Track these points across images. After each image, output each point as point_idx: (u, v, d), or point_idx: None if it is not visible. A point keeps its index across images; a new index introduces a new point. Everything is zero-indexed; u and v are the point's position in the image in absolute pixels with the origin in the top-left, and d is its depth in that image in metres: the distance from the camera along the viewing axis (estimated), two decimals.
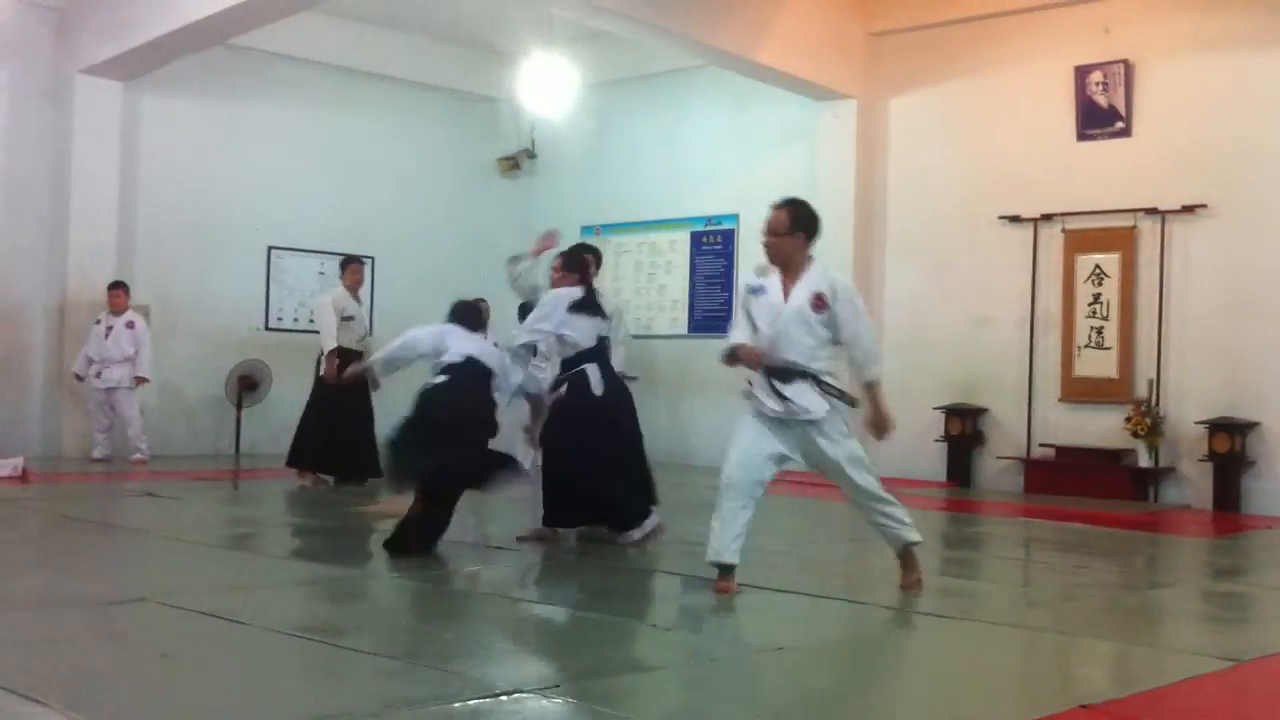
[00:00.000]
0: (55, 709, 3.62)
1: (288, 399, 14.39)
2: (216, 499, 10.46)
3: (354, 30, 14.86)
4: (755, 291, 5.92)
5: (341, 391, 10.25)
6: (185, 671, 4.30)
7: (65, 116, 12.94)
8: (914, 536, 6.03)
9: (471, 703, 3.89)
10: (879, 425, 5.91)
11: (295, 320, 14.88)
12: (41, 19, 13.03)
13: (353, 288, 11.41)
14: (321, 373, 11.08)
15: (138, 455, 12.48)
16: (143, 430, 12.64)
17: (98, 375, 12.42)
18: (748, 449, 5.77)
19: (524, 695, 3.99)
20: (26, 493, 9.80)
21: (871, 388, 5.92)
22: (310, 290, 14.96)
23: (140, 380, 12.57)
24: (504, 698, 3.96)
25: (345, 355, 10.66)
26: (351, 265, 11.49)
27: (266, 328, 14.63)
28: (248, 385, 13.80)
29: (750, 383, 5.90)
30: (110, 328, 12.40)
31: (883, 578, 6.44)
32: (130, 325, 12.48)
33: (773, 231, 5.92)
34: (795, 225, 5.90)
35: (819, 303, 5.82)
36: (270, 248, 14.65)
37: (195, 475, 11.58)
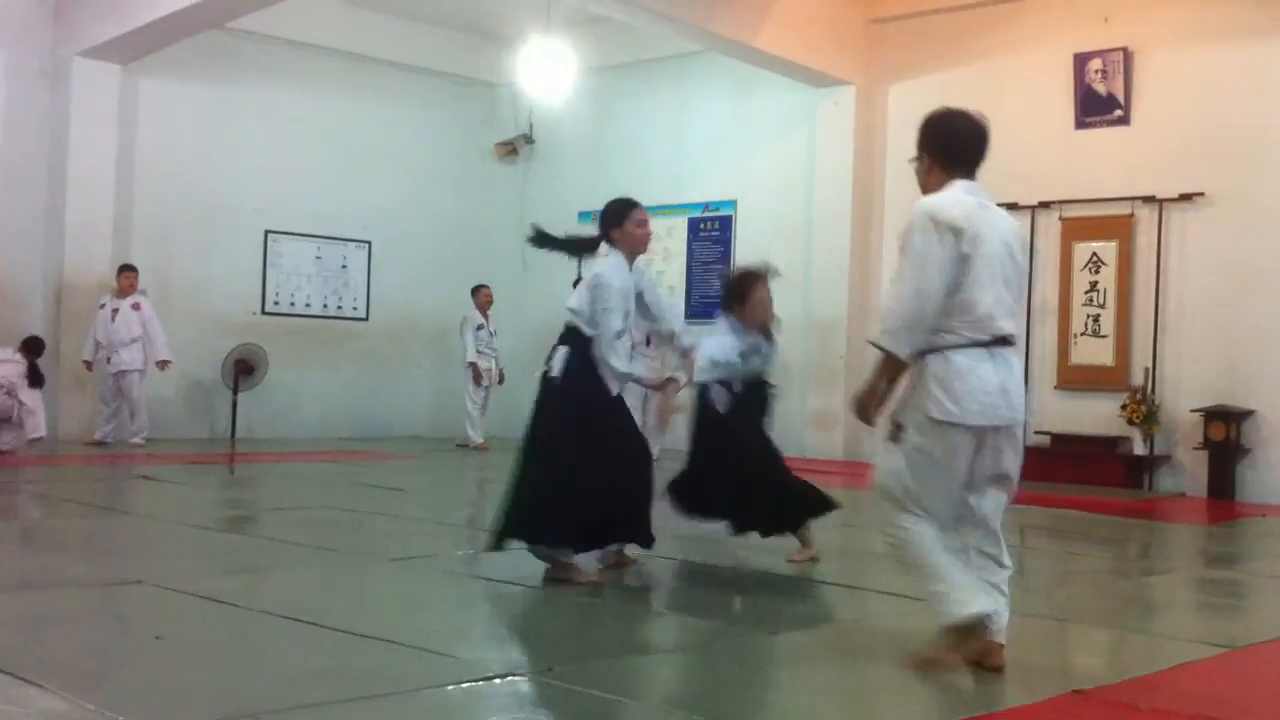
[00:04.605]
0: (52, 690, 3.63)
1: (284, 383, 14.46)
2: (213, 483, 10.48)
3: (352, 14, 14.82)
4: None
5: None
6: (181, 653, 4.31)
7: (63, 99, 12.92)
8: None
9: (465, 685, 3.91)
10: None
11: (292, 304, 14.89)
12: (40, 0, 13.00)
13: None
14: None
15: (137, 440, 12.50)
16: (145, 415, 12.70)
17: (108, 360, 12.43)
18: None
19: (517, 678, 4.00)
20: (24, 475, 9.80)
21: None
22: (307, 275, 14.99)
23: (164, 364, 12.59)
24: (498, 680, 3.97)
25: None
26: None
27: (263, 312, 14.62)
28: (244, 369, 13.80)
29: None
30: (116, 310, 12.40)
31: (880, 563, 6.45)
32: (136, 307, 12.48)
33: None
34: None
35: None
36: (267, 231, 14.64)
37: (192, 459, 11.59)
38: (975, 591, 4.13)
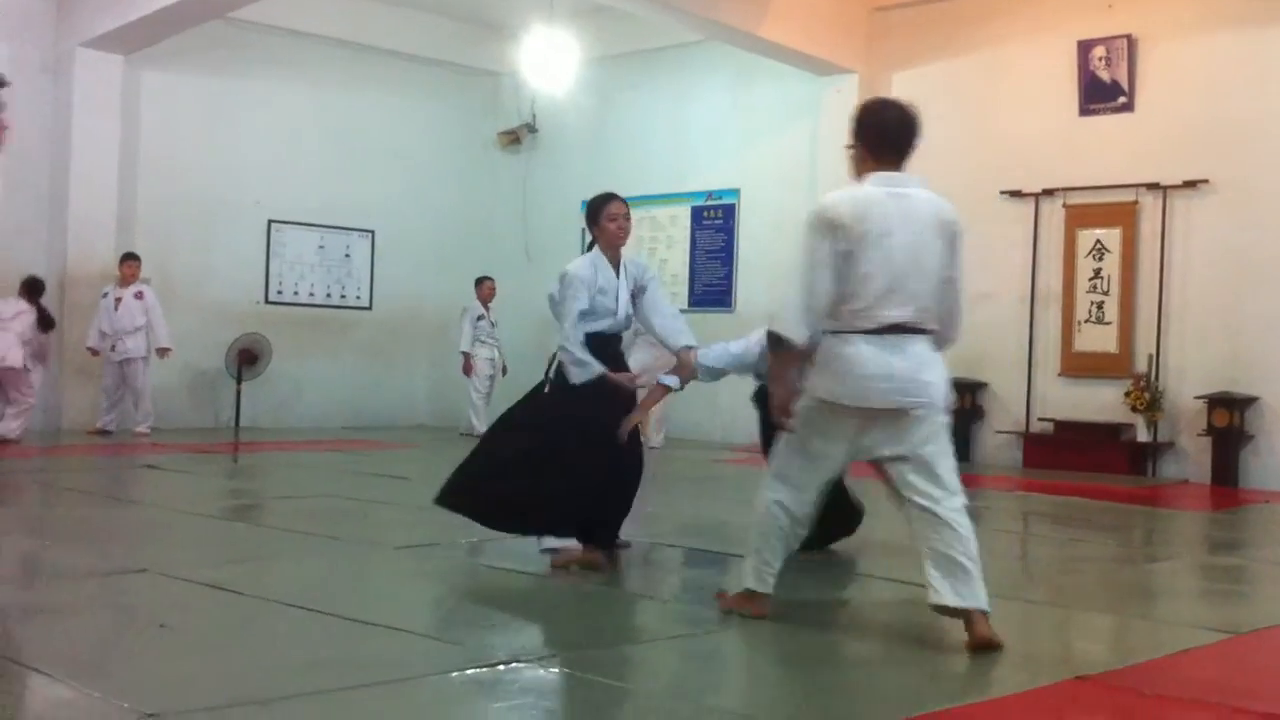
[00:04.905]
0: (58, 678, 3.64)
1: (288, 373, 14.47)
2: (217, 471, 10.50)
3: (354, 4, 14.81)
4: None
5: None
6: (186, 642, 4.32)
7: (65, 90, 12.92)
8: None
9: (469, 672, 3.91)
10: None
11: (295, 294, 14.90)
12: None
13: None
14: None
15: (142, 428, 12.54)
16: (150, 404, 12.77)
17: (112, 348, 12.48)
18: None
19: (521, 665, 4.01)
20: (28, 464, 9.82)
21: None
22: (310, 264, 15.00)
23: (164, 351, 12.68)
24: (501, 667, 3.98)
25: None
26: None
27: (266, 301, 14.64)
28: (248, 359, 13.82)
29: None
30: (119, 299, 12.46)
31: (882, 551, 6.46)
32: (139, 296, 12.56)
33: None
34: None
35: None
36: (270, 221, 14.64)
37: (197, 448, 11.61)
38: (764, 572, 4.63)
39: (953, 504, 4.34)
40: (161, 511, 7.78)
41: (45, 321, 11.44)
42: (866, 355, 4.27)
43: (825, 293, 4.29)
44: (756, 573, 4.64)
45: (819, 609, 5.29)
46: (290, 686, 3.68)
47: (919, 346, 4.33)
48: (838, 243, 4.25)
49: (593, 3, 13.13)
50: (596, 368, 5.79)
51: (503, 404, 14.87)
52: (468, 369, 14.18)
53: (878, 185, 4.37)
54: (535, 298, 14.48)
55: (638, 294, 6.00)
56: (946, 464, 4.38)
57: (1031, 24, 12.47)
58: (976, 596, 4.29)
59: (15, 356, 11.00)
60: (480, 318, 14.30)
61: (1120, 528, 8.50)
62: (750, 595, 4.69)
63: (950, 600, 4.30)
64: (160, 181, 13.66)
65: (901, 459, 4.36)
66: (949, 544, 4.30)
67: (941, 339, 4.47)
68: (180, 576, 5.26)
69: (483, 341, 14.27)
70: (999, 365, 12.56)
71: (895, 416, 4.30)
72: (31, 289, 11.48)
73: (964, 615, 4.31)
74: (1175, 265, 11.61)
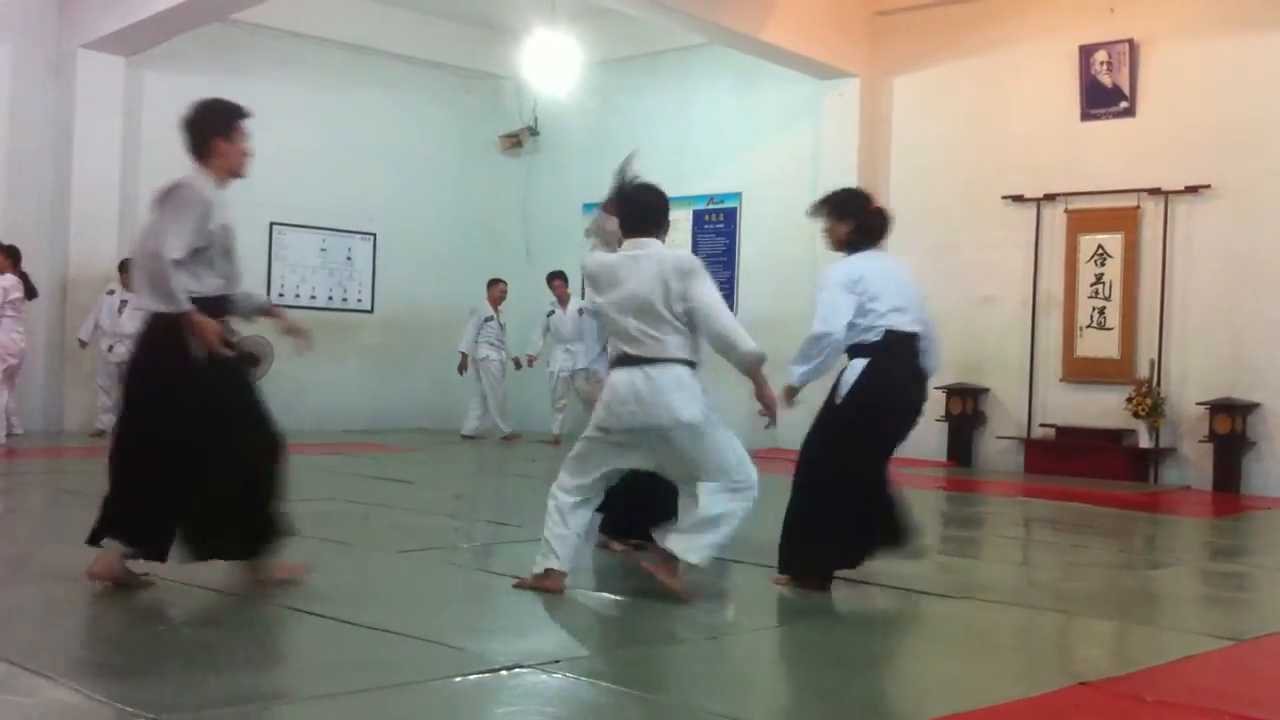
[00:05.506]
0: (61, 682, 3.64)
1: (289, 375, 14.45)
2: None
3: (357, 6, 14.82)
4: None
5: None
6: (188, 645, 4.32)
7: (67, 91, 12.92)
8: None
9: (471, 677, 3.91)
10: None
11: (297, 296, 14.89)
12: None
13: None
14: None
15: None
16: None
17: (109, 349, 12.42)
18: None
19: (524, 670, 4.01)
20: (31, 466, 9.82)
21: None
22: (312, 267, 15.00)
23: None
24: (504, 673, 3.97)
25: None
26: None
27: None
28: (250, 361, 13.79)
29: None
30: (124, 301, 12.33)
31: (883, 559, 6.45)
32: None
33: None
34: None
35: None
36: (272, 224, 14.64)
37: None
38: (549, 555, 5.24)
39: (703, 489, 5.08)
40: None
41: (30, 290, 11.43)
42: (617, 383, 5.11)
43: (602, 331, 5.65)
44: (541, 554, 5.24)
45: (820, 615, 5.29)
46: (293, 690, 3.68)
47: (660, 372, 5.05)
48: (594, 294, 5.30)
49: (594, 5, 13.13)
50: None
51: (510, 404, 14.91)
52: (462, 367, 14.25)
53: (622, 251, 5.35)
54: (537, 300, 14.58)
55: None
56: (705, 459, 5.09)
57: (1033, 28, 12.47)
58: (676, 545, 5.07)
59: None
60: (489, 319, 14.38)
61: (1122, 534, 8.49)
62: (546, 574, 5.23)
63: (661, 540, 5.18)
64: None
65: (664, 461, 5.16)
66: (687, 510, 5.13)
67: (730, 356, 5.14)
68: (182, 580, 5.26)
69: (491, 344, 14.34)
70: (1000, 370, 12.56)
71: (648, 434, 5.06)
72: (12, 256, 11.43)
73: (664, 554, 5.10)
74: (1177, 271, 11.61)
